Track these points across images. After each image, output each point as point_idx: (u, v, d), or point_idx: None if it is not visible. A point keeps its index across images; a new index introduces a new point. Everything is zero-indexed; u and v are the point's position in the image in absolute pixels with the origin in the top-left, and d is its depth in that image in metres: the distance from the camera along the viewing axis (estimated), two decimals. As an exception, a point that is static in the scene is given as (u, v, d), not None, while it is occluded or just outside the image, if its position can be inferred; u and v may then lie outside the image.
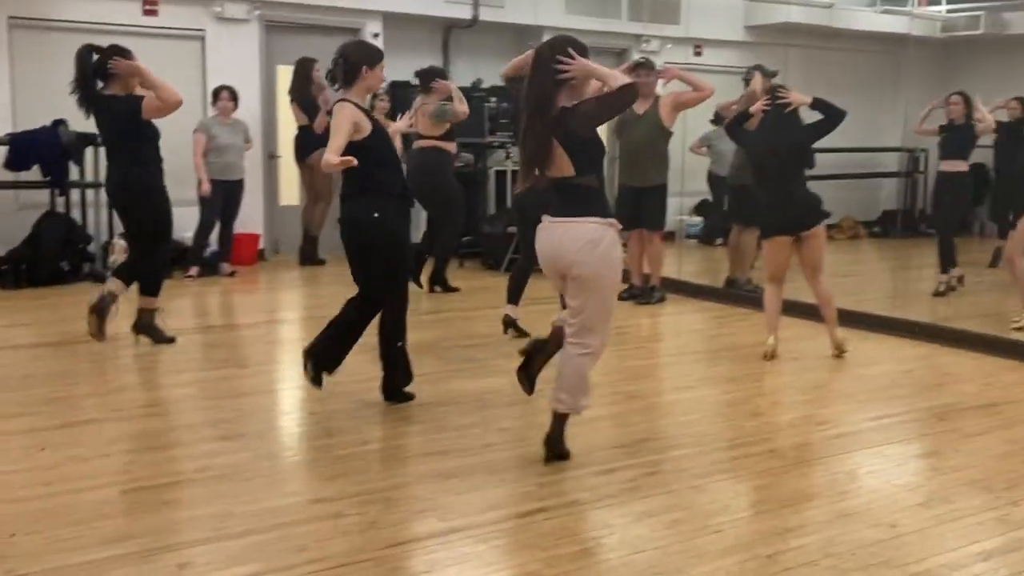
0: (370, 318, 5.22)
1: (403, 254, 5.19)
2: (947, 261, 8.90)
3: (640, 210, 8.23)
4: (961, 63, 11.90)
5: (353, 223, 5.08)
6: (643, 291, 8.50)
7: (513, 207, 7.30)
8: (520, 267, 7.19)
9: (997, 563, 3.54)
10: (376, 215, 5.01)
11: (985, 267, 10.07)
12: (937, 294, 8.80)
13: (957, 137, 8.76)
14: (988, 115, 8.72)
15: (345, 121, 4.87)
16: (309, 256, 10.18)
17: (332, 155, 4.77)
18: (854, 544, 3.66)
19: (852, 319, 7.44)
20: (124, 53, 6.26)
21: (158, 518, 3.79)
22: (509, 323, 7.03)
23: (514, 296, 7.06)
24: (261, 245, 10.24)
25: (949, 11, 12.13)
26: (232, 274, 9.39)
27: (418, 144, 8.45)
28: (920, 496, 4.17)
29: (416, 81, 8.80)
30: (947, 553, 3.62)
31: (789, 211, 6.29)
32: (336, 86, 5.08)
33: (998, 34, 11.76)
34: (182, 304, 8.27)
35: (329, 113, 5.19)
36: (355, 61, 5.01)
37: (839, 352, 6.46)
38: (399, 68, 9.57)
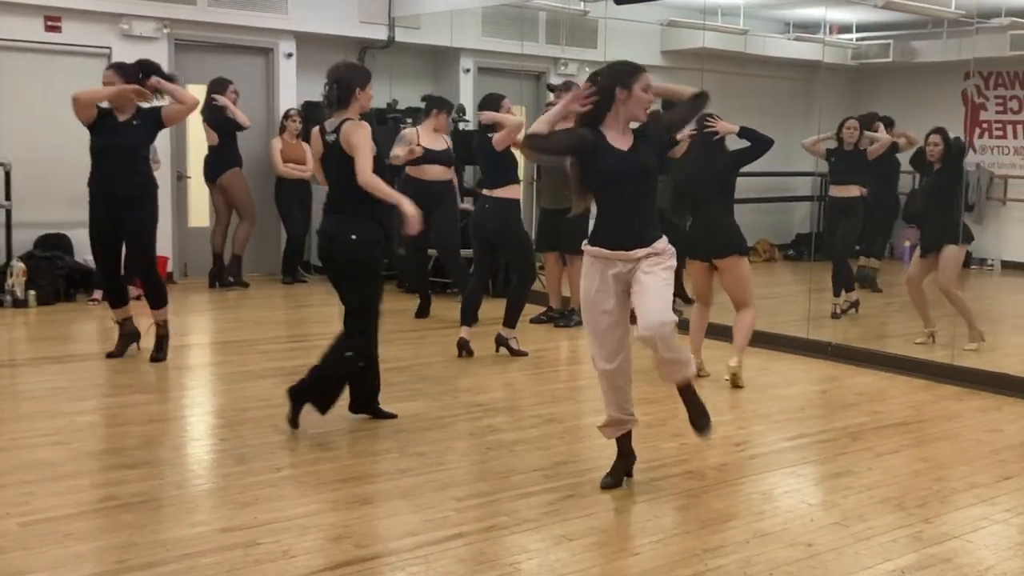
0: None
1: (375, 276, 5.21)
2: (844, 284, 9.02)
3: (559, 233, 8.24)
4: (872, 90, 12.22)
5: (331, 241, 5.16)
6: (561, 314, 8.49)
7: (473, 228, 7.28)
8: (473, 288, 7.18)
9: (911, 580, 3.59)
10: (354, 237, 5.08)
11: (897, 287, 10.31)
12: (834, 316, 8.91)
13: (847, 162, 8.93)
14: (880, 136, 8.91)
15: (368, 139, 4.98)
16: (218, 278, 9.99)
17: (369, 175, 4.95)
18: (771, 564, 3.68)
19: (768, 340, 7.52)
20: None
21: (58, 551, 3.63)
22: (463, 345, 7.05)
23: (468, 318, 7.12)
24: (169, 268, 9.98)
25: (860, 39, 12.43)
26: (139, 297, 9.10)
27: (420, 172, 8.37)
28: (835, 515, 4.21)
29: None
30: (862, 571, 3.65)
31: (706, 238, 6.34)
32: (330, 109, 5.10)
33: (907, 62, 12.09)
34: (86, 328, 8.02)
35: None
36: (348, 83, 5.05)
37: (731, 379, 6.44)
38: (312, 89, 9.45)
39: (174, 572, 3.47)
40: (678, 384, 4.37)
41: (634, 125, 4.39)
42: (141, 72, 6.50)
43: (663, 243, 4.32)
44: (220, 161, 9.86)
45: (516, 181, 7.35)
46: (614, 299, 4.32)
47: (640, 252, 4.25)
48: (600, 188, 4.35)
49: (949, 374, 6.75)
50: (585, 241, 4.39)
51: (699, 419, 4.40)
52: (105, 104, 6.55)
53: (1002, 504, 4.40)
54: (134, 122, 6.51)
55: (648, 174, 4.35)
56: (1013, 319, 7.82)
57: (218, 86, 9.73)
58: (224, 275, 9.97)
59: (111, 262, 6.73)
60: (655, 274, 4.25)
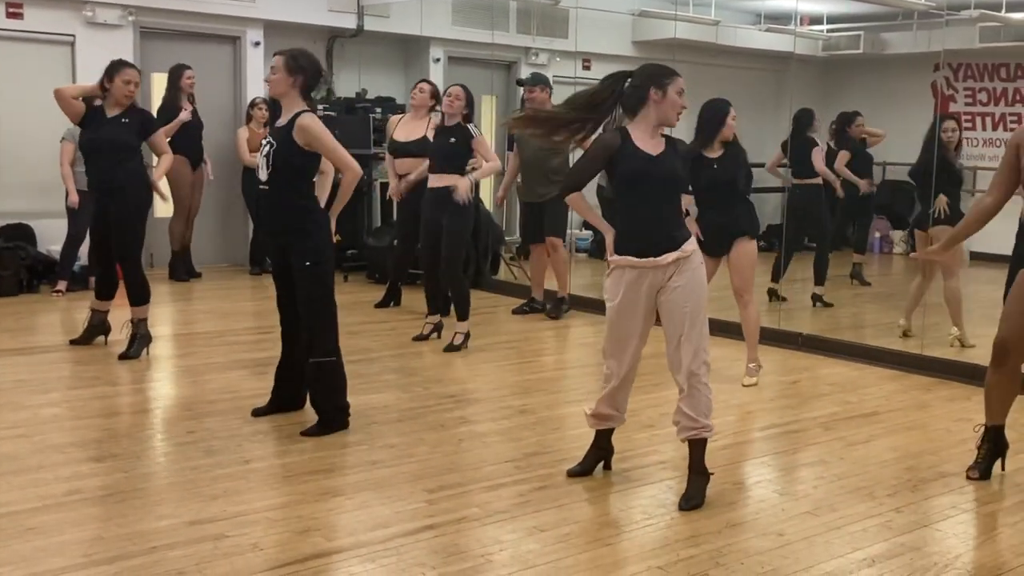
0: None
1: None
2: (776, 272, 9.15)
3: (542, 224, 8.17)
4: (842, 81, 12.28)
5: None
6: (532, 305, 8.46)
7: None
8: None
9: (881, 569, 3.60)
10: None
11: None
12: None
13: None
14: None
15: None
16: (181, 270, 9.89)
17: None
18: (743, 553, 3.68)
19: (740, 331, 7.52)
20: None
21: (22, 545, 3.57)
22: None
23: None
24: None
25: (830, 30, 12.50)
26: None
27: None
28: (806, 504, 4.22)
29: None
30: (833, 560, 3.66)
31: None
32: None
33: (877, 53, 12.17)
34: (50, 320, 7.92)
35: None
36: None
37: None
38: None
39: (141, 565, 3.42)
40: (686, 441, 4.26)
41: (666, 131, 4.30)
42: None
43: (692, 244, 4.21)
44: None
45: None
46: (642, 315, 4.22)
47: (669, 257, 4.13)
48: (624, 191, 4.24)
49: (918, 364, 6.80)
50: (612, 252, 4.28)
51: (691, 496, 4.17)
52: (98, 101, 6.49)
53: (970, 493, 4.43)
54: (123, 119, 6.43)
55: (675, 181, 4.24)
56: (981, 309, 7.85)
57: (176, 72, 9.63)
58: (180, 268, 9.89)
59: (102, 253, 6.67)
60: (681, 304, 4.12)
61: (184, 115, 9.53)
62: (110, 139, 6.40)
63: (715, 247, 6.17)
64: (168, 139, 9.44)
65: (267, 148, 4.95)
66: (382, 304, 8.61)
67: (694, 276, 4.18)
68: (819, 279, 9.13)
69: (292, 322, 5.16)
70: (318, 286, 4.98)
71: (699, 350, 4.14)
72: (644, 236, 4.18)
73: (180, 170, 9.76)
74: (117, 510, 3.92)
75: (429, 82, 8.13)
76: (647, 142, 4.20)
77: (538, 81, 8.23)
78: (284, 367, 5.26)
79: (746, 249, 6.23)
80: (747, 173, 6.34)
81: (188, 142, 9.65)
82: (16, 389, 5.72)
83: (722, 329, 7.25)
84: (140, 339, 6.52)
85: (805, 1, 11.70)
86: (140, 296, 6.55)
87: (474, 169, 7.20)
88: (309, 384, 5.08)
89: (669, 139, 4.28)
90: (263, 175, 4.97)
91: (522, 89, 8.40)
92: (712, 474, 4.27)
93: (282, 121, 4.99)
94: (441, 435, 5.05)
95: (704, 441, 4.23)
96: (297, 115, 4.90)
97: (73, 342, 6.75)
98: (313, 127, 4.87)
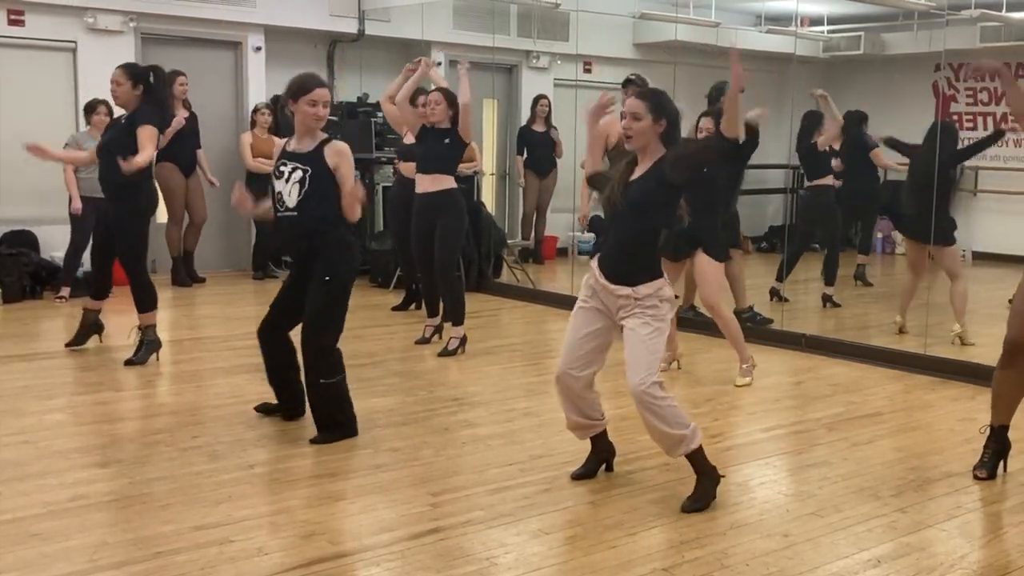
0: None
1: None
2: (780, 272, 9.18)
3: None
4: (843, 82, 12.26)
5: None
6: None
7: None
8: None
9: (887, 569, 3.60)
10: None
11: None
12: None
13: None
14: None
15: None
16: (184, 276, 9.90)
17: None
18: (748, 555, 3.68)
19: (743, 332, 7.51)
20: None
21: (27, 551, 3.57)
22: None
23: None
24: (139, 264, 9.88)
25: (831, 31, 12.50)
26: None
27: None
28: (811, 505, 4.21)
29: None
30: (839, 561, 3.66)
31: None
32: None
33: (878, 54, 12.17)
34: (53, 326, 7.92)
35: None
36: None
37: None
38: (281, 83, 9.33)
39: (147, 571, 3.42)
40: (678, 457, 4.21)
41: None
42: (151, 74, 6.47)
43: (649, 288, 4.07)
44: (159, 154, 9.77)
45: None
46: (599, 325, 4.20)
47: (621, 291, 4.08)
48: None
49: (922, 364, 6.79)
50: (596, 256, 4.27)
51: (697, 498, 4.13)
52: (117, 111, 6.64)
53: (975, 493, 4.43)
54: (122, 120, 6.46)
55: (636, 208, 4.08)
56: (984, 309, 7.86)
57: (169, 78, 9.63)
58: (183, 273, 9.90)
59: (96, 255, 6.68)
60: (637, 330, 4.04)
61: (179, 120, 9.55)
62: (107, 142, 6.43)
63: (672, 251, 6.06)
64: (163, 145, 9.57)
65: (298, 174, 4.83)
66: (400, 307, 8.59)
67: (644, 317, 4.05)
68: (830, 280, 9.12)
69: (281, 324, 5.07)
70: (331, 302, 4.87)
71: (647, 371, 4.01)
72: (607, 257, 4.18)
73: (172, 177, 9.78)
74: (122, 515, 3.93)
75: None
76: (641, 166, 4.16)
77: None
78: (275, 376, 5.19)
79: (702, 263, 6.15)
80: (726, 185, 6.15)
81: (180, 149, 9.65)
82: (20, 395, 5.73)
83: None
84: (148, 345, 6.51)
85: (805, 2, 11.70)
86: (147, 302, 6.53)
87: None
88: (319, 404, 4.94)
89: (663, 157, 4.11)
90: (291, 201, 4.85)
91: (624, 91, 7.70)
92: (723, 476, 4.25)
93: (302, 147, 4.90)
94: (445, 438, 5.05)
95: (696, 449, 4.16)
96: (327, 140, 4.90)
97: (68, 345, 6.77)
98: (347, 152, 4.89)
